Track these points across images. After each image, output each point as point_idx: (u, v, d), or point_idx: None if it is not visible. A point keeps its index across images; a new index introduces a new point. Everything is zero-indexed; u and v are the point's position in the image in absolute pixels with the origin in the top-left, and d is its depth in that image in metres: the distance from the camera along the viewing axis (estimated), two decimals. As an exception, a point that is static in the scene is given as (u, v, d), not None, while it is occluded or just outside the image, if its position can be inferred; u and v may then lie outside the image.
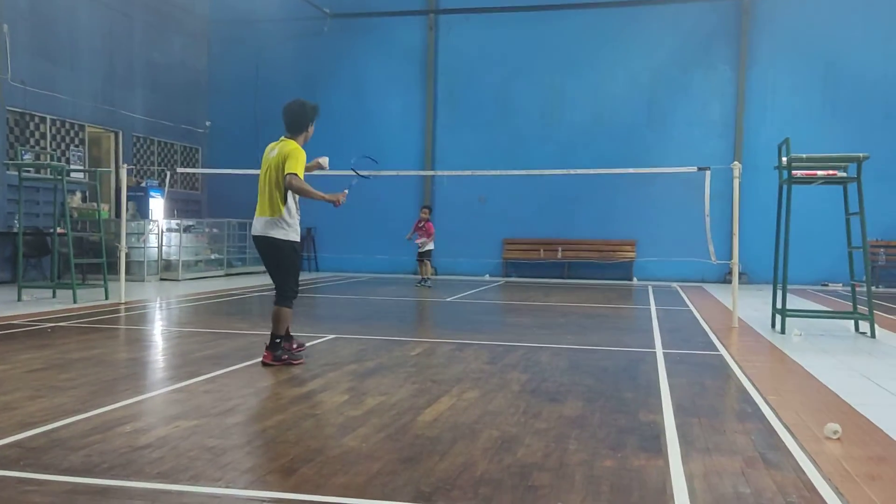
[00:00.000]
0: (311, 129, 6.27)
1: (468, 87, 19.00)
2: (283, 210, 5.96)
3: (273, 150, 6.10)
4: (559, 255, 17.01)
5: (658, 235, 17.43)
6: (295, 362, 6.09)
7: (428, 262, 15.24)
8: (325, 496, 3.09)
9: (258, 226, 6.07)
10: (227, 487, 3.18)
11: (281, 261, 6.06)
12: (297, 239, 6.12)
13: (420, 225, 15.18)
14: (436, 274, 17.06)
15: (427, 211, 15.52)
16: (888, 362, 6.75)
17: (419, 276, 15.36)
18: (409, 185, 19.03)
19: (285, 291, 6.06)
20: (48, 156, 14.22)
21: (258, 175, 6.18)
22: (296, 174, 5.87)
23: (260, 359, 6.12)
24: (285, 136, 6.17)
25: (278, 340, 6.06)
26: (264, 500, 3.06)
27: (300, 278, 6.24)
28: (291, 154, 5.92)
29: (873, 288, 8.78)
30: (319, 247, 19.46)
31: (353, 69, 19.56)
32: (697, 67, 17.83)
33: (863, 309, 8.65)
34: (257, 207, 6.09)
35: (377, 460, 3.56)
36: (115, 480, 3.24)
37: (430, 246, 15.27)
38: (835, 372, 6.15)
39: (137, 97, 17.68)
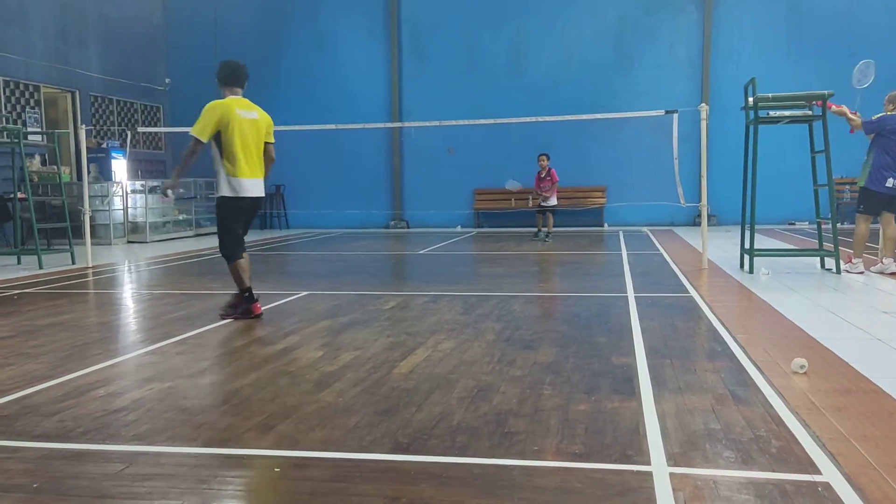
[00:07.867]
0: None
1: (433, 36, 18.69)
2: None
3: (252, 112, 6.14)
4: (530, 203, 16.99)
5: (628, 180, 17.51)
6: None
7: (550, 215, 14.08)
8: (302, 451, 3.10)
9: (259, 188, 6.28)
10: (204, 447, 3.18)
11: None
12: None
13: (543, 175, 13.99)
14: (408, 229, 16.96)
15: (546, 158, 14.02)
16: (853, 297, 6.90)
17: (537, 229, 14.47)
18: (376, 138, 18.82)
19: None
20: (3, 118, 13.79)
21: (238, 133, 6.00)
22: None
23: (220, 321, 6.06)
24: (242, 96, 6.24)
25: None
26: (242, 458, 3.06)
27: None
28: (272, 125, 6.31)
29: (838, 225, 8.91)
30: (289, 204, 19.26)
31: (315, 19, 19.10)
32: (664, 9, 17.70)
33: (828, 246, 8.80)
34: (249, 168, 6.11)
35: (354, 414, 3.58)
36: (90, 444, 3.22)
37: (554, 201, 14.12)
38: (801, 308, 6.27)
39: (93, 55, 17.14)
